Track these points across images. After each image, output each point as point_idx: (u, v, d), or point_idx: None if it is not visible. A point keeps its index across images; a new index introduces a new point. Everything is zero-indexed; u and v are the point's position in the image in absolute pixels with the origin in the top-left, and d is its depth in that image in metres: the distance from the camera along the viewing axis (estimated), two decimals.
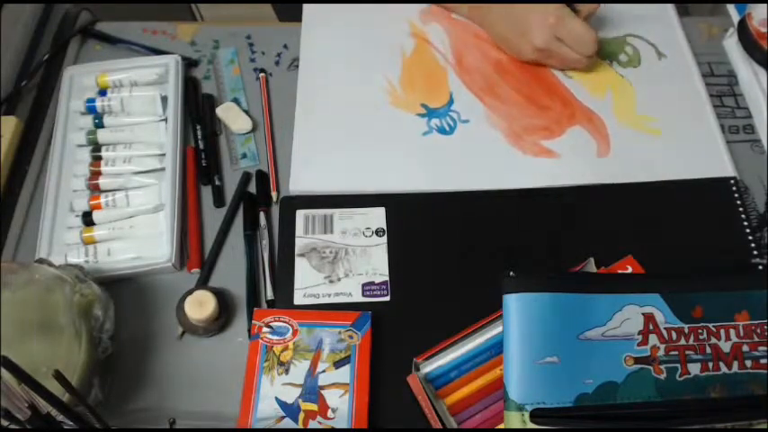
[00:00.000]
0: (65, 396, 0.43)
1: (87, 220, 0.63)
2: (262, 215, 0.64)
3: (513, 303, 0.49)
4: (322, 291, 0.60)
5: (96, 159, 0.66)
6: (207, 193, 0.67)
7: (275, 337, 0.55)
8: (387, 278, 0.61)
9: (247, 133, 0.70)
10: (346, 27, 0.76)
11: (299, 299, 0.60)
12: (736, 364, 0.51)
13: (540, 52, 0.70)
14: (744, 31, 0.72)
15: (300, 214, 0.64)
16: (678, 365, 0.50)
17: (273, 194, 0.66)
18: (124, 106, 0.69)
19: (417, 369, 0.54)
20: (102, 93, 0.70)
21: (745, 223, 0.63)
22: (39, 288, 0.53)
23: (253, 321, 0.56)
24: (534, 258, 0.62)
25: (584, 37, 0.68)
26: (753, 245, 0.62)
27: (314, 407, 0.53)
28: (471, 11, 0.76)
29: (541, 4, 0.68)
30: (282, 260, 0.62)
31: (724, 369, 0.50)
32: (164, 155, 0.66)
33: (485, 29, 0.75)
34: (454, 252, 0.62)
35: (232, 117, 0.70)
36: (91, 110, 0.69)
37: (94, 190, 0.65)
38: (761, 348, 0.51)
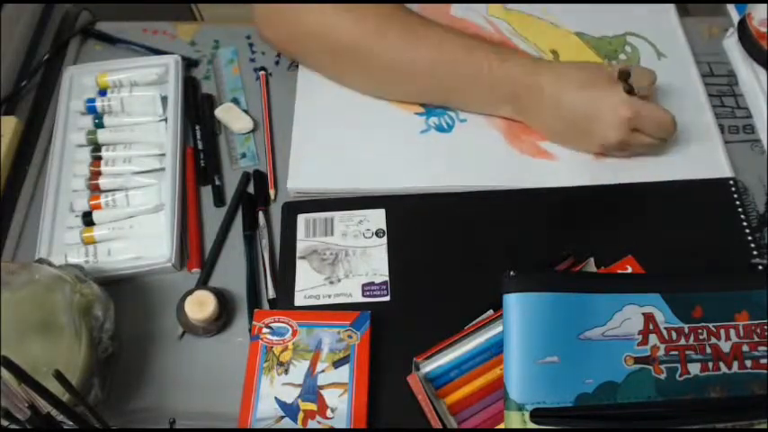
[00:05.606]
0: (65, 396, 0.42)
1: (87, 220, 0.63)
2: (261, 215, 0.64)
3: (513, 303, 0.49)
4: (322, 292, 0.60)
5: (96, 159, 0.66)
6: (207, 193, 0.67)
7: (275, 338, 0.55)
8: (387, 278, 0.61)
9: (247, 133, 0.70)
10: None
11: (299, 300, 0.60)
12: (736, 364, 0.51)
13: (610, 147, 0.64)
14: (744, 31, 0.72)
15: (302, 218, 0.64)
16: (678, 365, 0.50)
17: (271, 191, 0.66)
18: (124, 106, 0.69)
19: (417, 369, 0.54)
20: (102, 93, 0.70)
21: (745, 223, 0.63)
22: (39, 288, 0.53)
23: (253, 322, 0.56)
24: (534, 258, 0.61)
25: (663, 122, 0.62)
26: (753, 245, 0.62)
27: (313, 406, 0.53)
28: (516, 113, 0.67)
29: (604, 96, 0.61)
30: (284, 263, 0.62)
31: (724, 369, 0.50)
32: (164, 155, 0.66)
33: (533, 126, 0.68)
34: (454, 252, 0.62)
35: (232, 117, 0.70)
36: (91, 110, 0.69)
37: (94, 190, 0.65)
38: (761, 348, 0.51)
